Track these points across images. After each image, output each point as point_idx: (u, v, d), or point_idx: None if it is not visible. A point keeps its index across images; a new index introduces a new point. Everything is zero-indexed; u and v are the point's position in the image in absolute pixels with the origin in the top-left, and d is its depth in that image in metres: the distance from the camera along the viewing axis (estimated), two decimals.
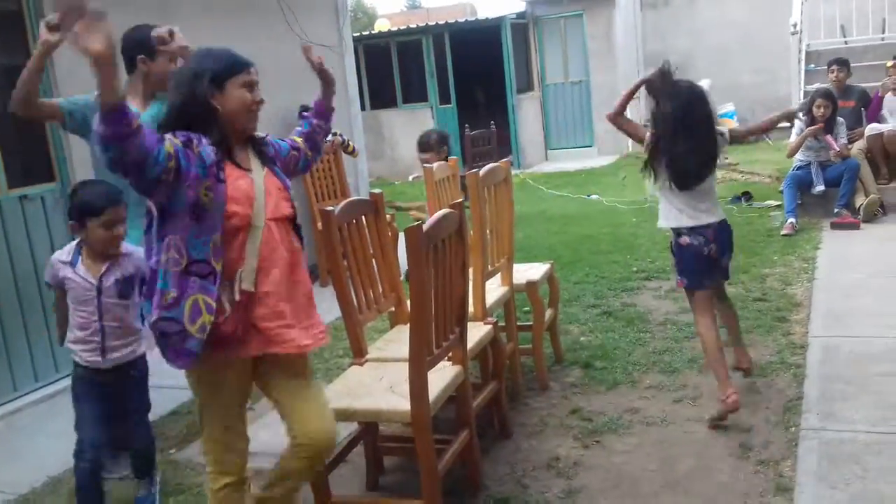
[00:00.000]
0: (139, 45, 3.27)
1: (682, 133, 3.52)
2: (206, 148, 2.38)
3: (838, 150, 7.17)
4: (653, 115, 3.73)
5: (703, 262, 3.66)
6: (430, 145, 5.02)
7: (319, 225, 5.18)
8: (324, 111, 2.94)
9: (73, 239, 3.18)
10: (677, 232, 3.71)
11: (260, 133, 2.62)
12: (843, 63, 8.00)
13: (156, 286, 2.40)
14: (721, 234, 3.68)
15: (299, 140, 2.86)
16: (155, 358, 2.93)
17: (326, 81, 2.92)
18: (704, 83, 12.11)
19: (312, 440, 2.54)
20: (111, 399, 3.20)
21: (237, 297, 2.40)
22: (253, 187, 2.46)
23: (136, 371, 3.27)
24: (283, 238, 2.50)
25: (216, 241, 2.37)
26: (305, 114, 2.97)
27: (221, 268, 2.37)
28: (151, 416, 4.23)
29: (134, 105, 3.08)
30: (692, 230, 3.64)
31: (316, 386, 2.68)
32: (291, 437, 2.56)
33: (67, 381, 4.84)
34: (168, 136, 2.32)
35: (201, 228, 2.36)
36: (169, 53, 3.14)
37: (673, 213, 3.69)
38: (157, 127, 2.45)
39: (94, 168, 3.47)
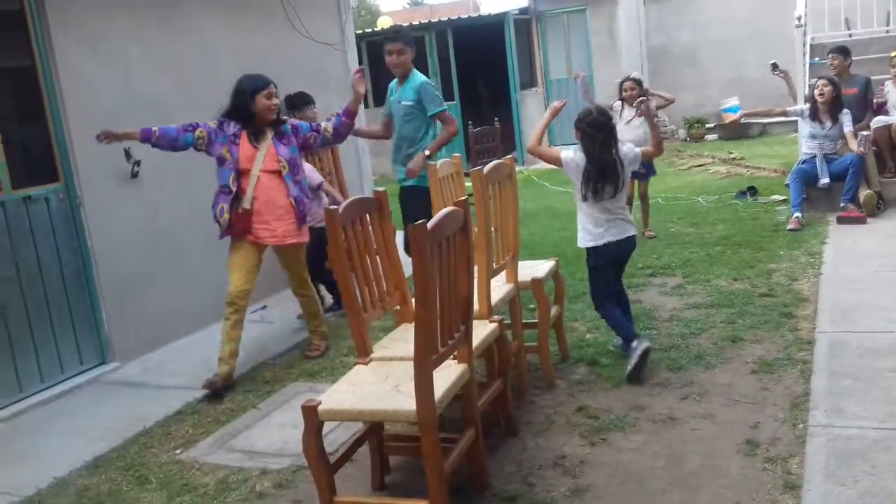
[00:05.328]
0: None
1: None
2: (232, 127, 4.65)
3: (863, 149, 7.09)
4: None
5: None
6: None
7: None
8: (350, 113, 4.86)
9: None
10: None
11: (284, 118, 4.83)
12: (840, 50, 7.96)
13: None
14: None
15: (328, 127, 4.89)
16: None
17: (357, 96, 4.85)
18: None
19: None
20: None
21: (241, 209, 4.61)
22: (255, 154, 4.64)
23: None
24: (270, 182, 4.66)
25: (233, 177, 4.59)
26: (338, 112, 4.87)
27: (235, 191, 4.60)
28: (157, 417, 4.27)
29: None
30: None
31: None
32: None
33: (72, 382, 4.89)
34: (202, 124, 4.63)
35: (224, 169, 4.62)
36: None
37: None
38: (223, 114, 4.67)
39: None
